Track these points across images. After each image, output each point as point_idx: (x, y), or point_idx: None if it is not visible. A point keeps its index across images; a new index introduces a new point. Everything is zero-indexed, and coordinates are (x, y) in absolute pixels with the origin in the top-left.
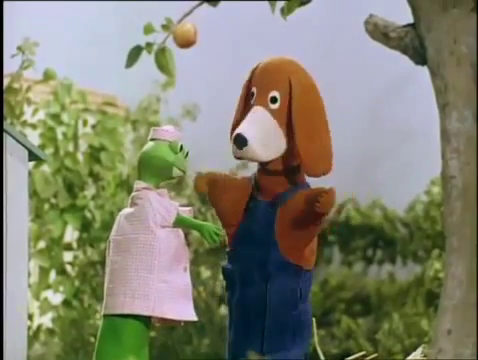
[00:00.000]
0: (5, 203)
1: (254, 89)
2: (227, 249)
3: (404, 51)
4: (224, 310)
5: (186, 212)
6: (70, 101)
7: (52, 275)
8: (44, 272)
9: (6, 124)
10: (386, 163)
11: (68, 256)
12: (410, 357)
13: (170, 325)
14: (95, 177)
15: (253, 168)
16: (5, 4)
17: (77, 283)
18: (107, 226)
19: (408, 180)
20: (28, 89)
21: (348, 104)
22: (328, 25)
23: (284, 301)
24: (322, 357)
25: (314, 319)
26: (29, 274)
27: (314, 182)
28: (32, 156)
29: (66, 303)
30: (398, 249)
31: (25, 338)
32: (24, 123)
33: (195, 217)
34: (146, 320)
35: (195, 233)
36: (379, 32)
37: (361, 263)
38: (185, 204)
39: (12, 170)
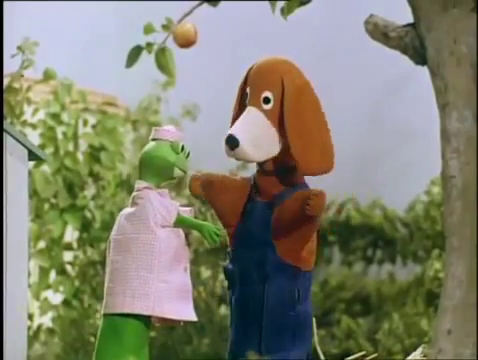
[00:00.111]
0: (5, 203)
1: (248, 89)
2: (228, 249)
3: (404, 51)
4: (224, 310)
5: (187, 212)
6: (70, 101)
7: (52, 275)
8: (44, 272)
9: (6, 124)
10: (386, 163)
11: (68, 256)
12: (410, 357)
13: (170, 325)
14: (95, 177)
15: (253, 169)
16: (5, 4)
17: (77, 283)
18: (107, 226)
19: (408, 180)
20: (28, 89)
21: (348, 104)
22: (328, 25)
23: (282, 302)
24: (322, 357)
25: (314, 319)
26: (29, 274)
27: (314, 182)
28: (32, 156)
29: (66, 303)
30: (398, 249)
31: (25, 338)
32: (24, 123)
33: (195, 217)
34: (146, 320)
35: (195, 233)
36: (379, 32)
37: (361, 263)
38: (185, 204)
39: (12, 170)
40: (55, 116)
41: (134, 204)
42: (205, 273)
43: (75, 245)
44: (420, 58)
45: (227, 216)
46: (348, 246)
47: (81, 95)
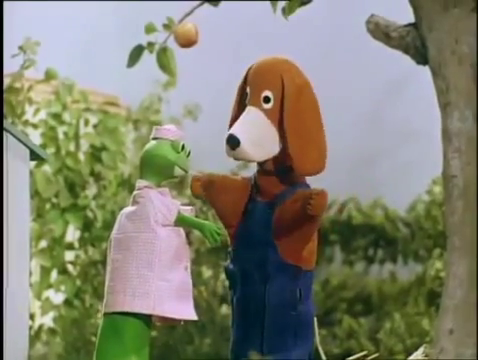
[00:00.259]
0: (6, 203)
1: (248, 89)
2: (229, 249)
3: (405, 51)
4: (225, 310)
5: (188, 211)
6: (71, 101)
7: (53, 274)
8: (45, 271)
9: (7, 123)
10: (387, 163)
11: (69, 255)
12: (412, 357)
13: (170, 324)
14: (96, 176)
15: (254, 168)
16: (5, 4)
17: (78, 282)
18: (108, 225)
19: (409, 180)
20: (29, 89)
21: (350, 103)
22: (329, 25)
23: (283, 302)
24: (324, 357)
25: (315, 318)
26: (30, 273)
27: (314, 182)
28: (33, 155)
29: (67, 302)
30: (399, 248)
31: (26, 338)
32: (26, 122)
33: (196, 216)
34: (147, 319)
35: (196, 232)
36: (380, 32)
37: (362, 263)
38: (187, 203)
39: (13, 169)
40: (56, 116)
41: (135, 203)
42: (206, 272)
43: (76, 245)
44: (421, 58)
45: (228, 216)
46: (349, 246)
47: (82, 95)
